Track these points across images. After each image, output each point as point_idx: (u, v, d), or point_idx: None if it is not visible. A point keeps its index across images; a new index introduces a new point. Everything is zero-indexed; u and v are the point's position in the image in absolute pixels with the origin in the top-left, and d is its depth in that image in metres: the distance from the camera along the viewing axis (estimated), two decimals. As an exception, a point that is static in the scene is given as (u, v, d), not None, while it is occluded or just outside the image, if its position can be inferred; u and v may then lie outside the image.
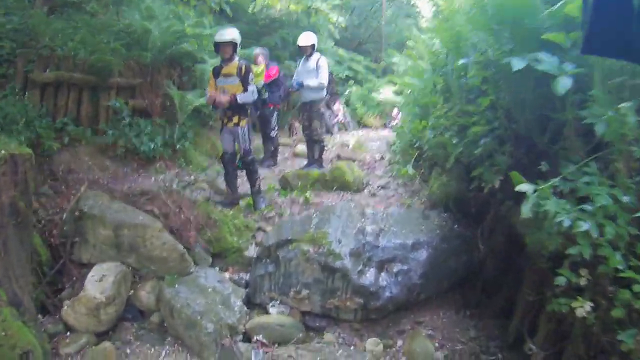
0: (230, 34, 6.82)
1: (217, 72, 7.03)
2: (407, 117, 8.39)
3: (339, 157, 9.93)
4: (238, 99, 6.71)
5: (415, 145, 7.60)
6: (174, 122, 9.03)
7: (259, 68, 7.52)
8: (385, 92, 12.35)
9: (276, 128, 9.74)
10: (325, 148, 11.78)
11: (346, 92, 16.14)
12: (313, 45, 8.60)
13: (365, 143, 11.41)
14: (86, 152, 8.11)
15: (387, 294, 5.27)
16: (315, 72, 8.52)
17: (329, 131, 13.92)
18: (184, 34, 9.21)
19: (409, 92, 9.99)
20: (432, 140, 6.74)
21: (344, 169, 7.74)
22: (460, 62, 5.24)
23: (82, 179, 7.44)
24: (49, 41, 8.01)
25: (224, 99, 6.74)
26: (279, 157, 10.44)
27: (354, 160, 9.52)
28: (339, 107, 14.85)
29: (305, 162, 9.38)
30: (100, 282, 5.05)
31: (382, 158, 10.04)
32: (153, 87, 9.03)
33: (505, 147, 4.63)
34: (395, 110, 16.69)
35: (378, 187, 7.92)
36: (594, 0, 1.55)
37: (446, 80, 6.29)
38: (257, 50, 9.56)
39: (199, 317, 4.89)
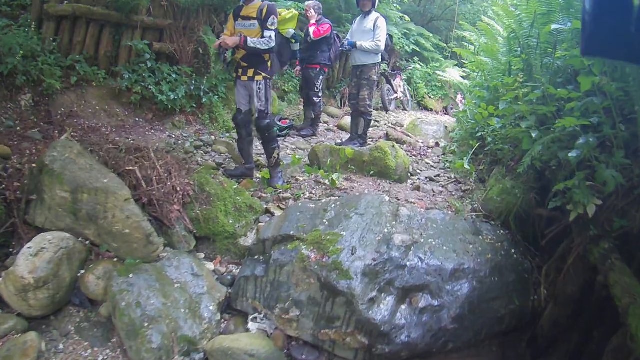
0: None
1: (236, 14, 5.59)
2: (473, 100, 6.72)
3: (387, 137, 8.37)
4: (248, 42, 5.27)
5: (477, 135, 5.95)
6: (204, 73, 7.67)
7: (289, 14, 5.88)
8: (451, 73, 10.65)
9: (320, 93, 8.25)
10: (376, 124, 10.30)
11: (409, 69, 14.36)
12: (373, 2, 7.08)
13: (420, 126, 9.77)
14: (96, 95, 6.91)
15: (404, 337, 3.64)
16: (371, 33, 7.05)
17: (385, 107, 12.33)
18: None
19: (478, 74, 8.36)
20: (499, 132, 5.12)
21: (387, 150, 6.06)
22: (553, 27, 3.65)
23: (82, 125, 6.29)
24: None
25: (229, 40, 5.31)
26: (322, 128, 8.97)
27: (403, 143, 7.96)
28: (399, 82, 13.19)
29: (348, 136, 7.91)
30: (34, 257, 3.74)
31: (437, 144, 8.43)
32: (187, 32, 7.68)
33: (614, 157, 3.01)
34: (459, 96, 14.90)
35: (426, 178, 6.36)
36: (594, 0, 1.39)
37: (528, 55, 4.67)
38: (310, 2, 8.04)
39: (145, 324, 3.54)
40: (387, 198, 4.75)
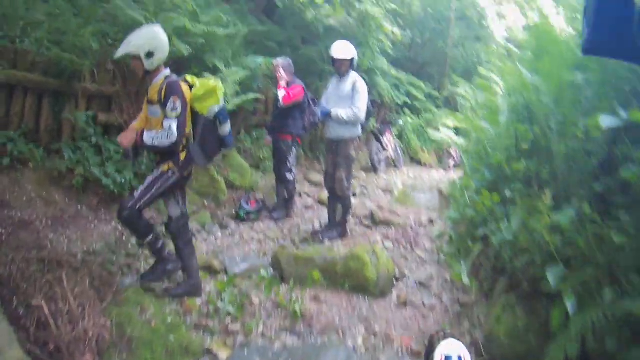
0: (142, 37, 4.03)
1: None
2: (470, 176, 5.51)
3: (372, 218, 7.14)
4: (145, 139, 4.00)
5: (479, 234, 4.70)
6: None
7: (205, 87, 4.21)
8: (445, 131, 9.52)
9: (294, 168, 6.97)
10: (363, 191, 9.14)
11: (400, 122, 13.23)
12: (351, 61, 5.89)
13: (412, 194, 8.63)
14: (32, 179, 5.83)
15: None
16: (349, 99, 5.82)
17: (374, 168, 11.16)
18: (187, 31, 6.68)
19: (473, 138, 7.21)
20: (509, 231, 3.89)
21: (365, 260, 4.79)
22: (603, 121, 2.57)
23: (13, 218, 5.18)
24: (19, 31, 5.92)
25: (125, 139, 4.11)
26: (299, 205, 7.75)
27: (390, 226, 6.75)
28: (389, 138, 12.05)
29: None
30: None
31: (430, 222, 7.21)
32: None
33: None
34: (453, 151, 13.77)
35: (415, 282, 5.11)
36: (596, 1, 1.45)
37: (546, 139, 3.54)
38: (279, 59, 6.85)
39: None
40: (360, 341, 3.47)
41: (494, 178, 4.84)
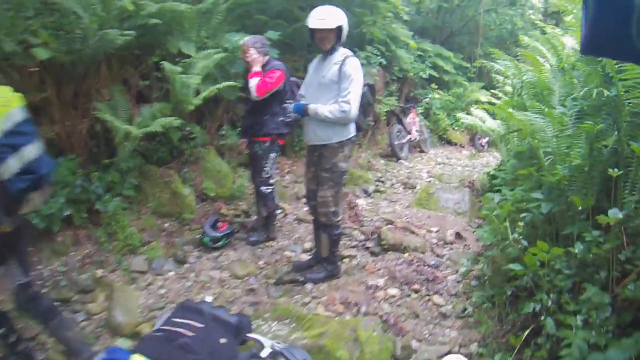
0: None
1: None
2: (514, 200, 3.73)
3: (378, 241, 5.26)
4: None
5: (529, 308, 2.92)
6: (101, 164, 5.00)
7: None
8: (477, 114, 7.68)
9: (271, 179, 5.24)
10: (378, 184, 7.47)
11: (425, 100, 11.31)
12: (338, 32, 4.00)
13: (437, 194, 6.87)
14: None
15: None
16: (334, 88, 4.02)
17: (395, 155, 9.39)
18: (131, 12, 5.04)
19: (514, 133, 5.43)
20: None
21: (335, 355, 2.99)
22: None
23: None
24: None
25: None
26: (292, 214, 6.13)
27: (404, 250, 5.02)
28: (414, 119, 10.23)
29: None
30: None
31: (459, 237, 5.48)
32: (79, 102, 5.02)
33: None
34: (483, 140, 11.87)
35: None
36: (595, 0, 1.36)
37: None
38: (247, 40, 5.00)
39: None
40: None
41: (550, 209, 3.14)
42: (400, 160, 9.39)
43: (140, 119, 5.35)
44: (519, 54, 5.79)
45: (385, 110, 9.64)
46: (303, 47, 8.18)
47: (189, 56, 5.69)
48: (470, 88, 12.76)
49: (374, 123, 9.52)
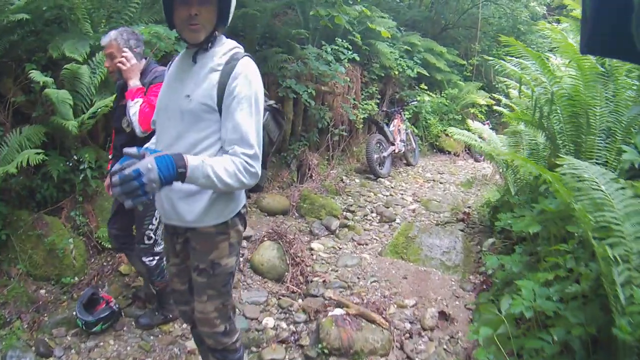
0: None
1: None
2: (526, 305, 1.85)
3: (316, 343, 3.16)
4: None
5: None
6: None
7: None
8: (476, 128, 5.75)
9: (156, 247, 3.22)
10: (346, 219, 5.61)
11: (413, 102, 9.26)
12: (223, 15, 1.96)
13: (419, 238, 4.98)
14: None
15: None
16: (210, 115, 1.92)
17: (373, 172, 7.43)
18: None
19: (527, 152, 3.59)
20: None
21: None
22: None
23: None
24: None
25: None
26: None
27: (352, 354, 3.03)
28: (398, 126, 8.26)
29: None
30: None
31: (446, 319, 3.57)
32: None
33: None
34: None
35: None
36: None
37: None
38: (113, 34, 3.00)
39: None
40: None
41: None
42: (379, 179, 7.43)
43: (6, 150, 3.66)
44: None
45: (362, 116, 7.68)
46: (254, 41, 6.24)
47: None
48: (467, 89, 10.82)
49: (347, 133, 7.57)
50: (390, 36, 7.66)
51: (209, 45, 1.99)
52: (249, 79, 1.91)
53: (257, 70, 1.98)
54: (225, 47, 2.02)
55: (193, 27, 1.91)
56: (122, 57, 2.95)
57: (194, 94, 1.93)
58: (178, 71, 2.08)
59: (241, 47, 2.07)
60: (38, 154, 3.43)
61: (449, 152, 10.15)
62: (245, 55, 1.97)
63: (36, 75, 3.62)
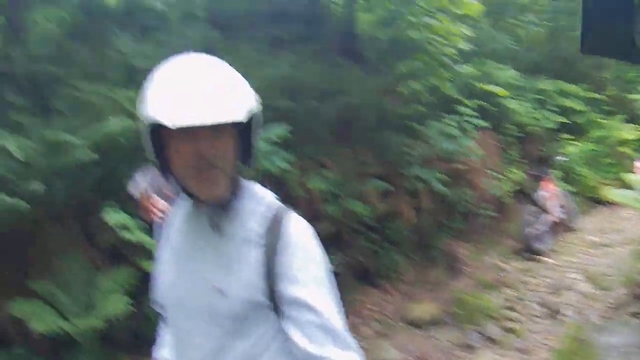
0: None
1: None
2: None
3: None
4: None
5: None
6: None
7: None
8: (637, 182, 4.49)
9: None
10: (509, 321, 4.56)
11: (559, 158, 7.73)
12: (248, 131, 1.14)
13: (592, 330, 3.73)
14: None
15: None
16: (261, 307, 1.14)
17: (530, 250, 6.11)
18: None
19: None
20: None
21: None
22: None
23: None
24: None
25: None
26: None
27: None
28: (552, 191, 6.80)
29: None
30: None
31: None
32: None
33: None
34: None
35: None
36: None
37: None
38: (137, 180, 2.53)
39: None
40: None
41: None
42: (540, 257, 6.10)
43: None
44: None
45: (507, 188, 6.46)
46: (365, 128, 5.43)
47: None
48: (610, 125, 9.17)
49: (495, 212, 6.39)
50: (507, 94, 6.56)
51: (234, 200, 1.17)
52: (308, 251, 1.14)
53: (310, 229, 1.18)
54: (258, 201, 1.19)
55: (207, 175, 1.08)
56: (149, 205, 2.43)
57: (231, 288, 1.12)
58: (186, 239, 1.23)
59: (271, 193, 1.24)
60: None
61: (608, 203, 8.49)
62: (289, 211, 1.18)
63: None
